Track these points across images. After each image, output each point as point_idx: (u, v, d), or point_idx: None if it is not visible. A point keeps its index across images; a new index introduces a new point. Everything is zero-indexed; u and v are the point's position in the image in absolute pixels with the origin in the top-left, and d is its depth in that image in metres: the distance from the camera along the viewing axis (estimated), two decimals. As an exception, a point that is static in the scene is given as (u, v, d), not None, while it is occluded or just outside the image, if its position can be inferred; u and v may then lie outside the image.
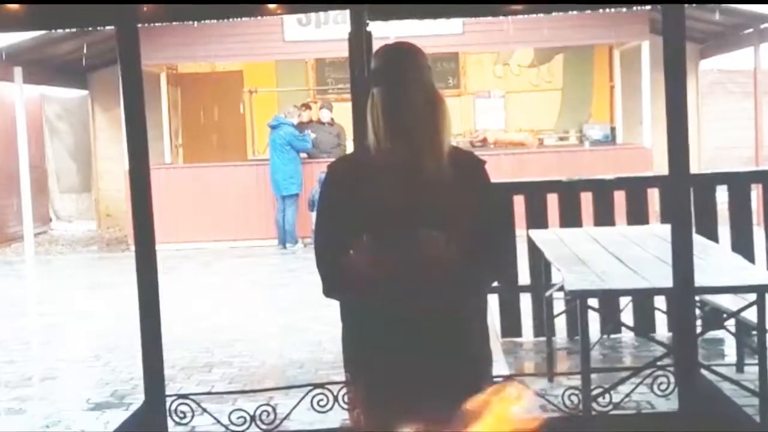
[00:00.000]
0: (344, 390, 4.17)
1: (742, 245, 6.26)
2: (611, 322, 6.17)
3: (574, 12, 7.26)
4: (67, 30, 10.18)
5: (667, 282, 4.01)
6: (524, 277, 6.56)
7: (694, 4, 9.43)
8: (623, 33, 12.71)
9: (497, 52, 14.78)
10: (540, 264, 6.41)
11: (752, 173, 7.96)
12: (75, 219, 15.83)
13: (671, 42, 3.65)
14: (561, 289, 5.16)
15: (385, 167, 2.55)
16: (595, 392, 4.46)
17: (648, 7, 9.56)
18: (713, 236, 6.19)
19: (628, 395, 4.63)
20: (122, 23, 3.96)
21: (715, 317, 5.63)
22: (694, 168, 3.86)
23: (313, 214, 11.96)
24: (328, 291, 2.67)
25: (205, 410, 4.44)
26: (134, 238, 4.03)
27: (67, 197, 15.96)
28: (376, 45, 2.80)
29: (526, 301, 6.67)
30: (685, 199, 3.81)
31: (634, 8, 10.69)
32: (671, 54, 3.63)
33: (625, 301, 6.29)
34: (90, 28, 9.82)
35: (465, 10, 5.00)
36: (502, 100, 14.99)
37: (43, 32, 11.10)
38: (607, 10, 10.16)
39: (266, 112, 13.78)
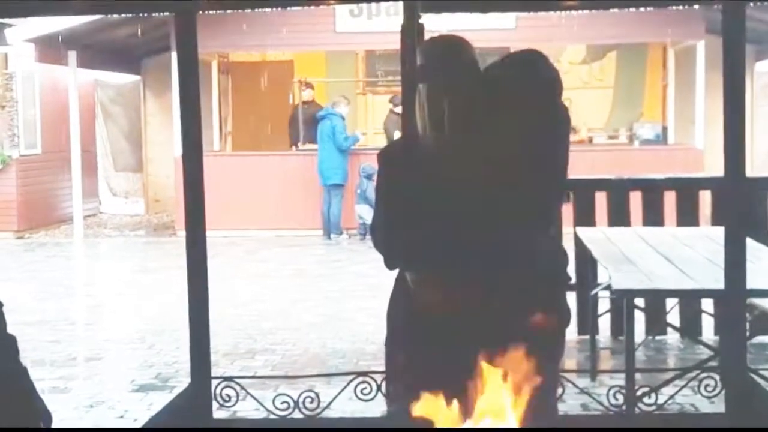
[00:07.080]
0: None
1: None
2: (657, 323, 6.10)
3: (631, 9, 7.17)
4: (123, 16, 10.28)
5: (717, 284, 3.96)
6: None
7: (752, 3, 9.27)
8: (679, 32, 12.52)
9: (548, 48, 14.64)
10: (586, 262, 6.36)
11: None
12: (130, 196, 16.13)
13: (731, 41, 3.60)
14: (607, 287, 5.12)
15: (434, 159, 2.56)
16: (639, 392, 4.42)
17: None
18: (764, 240, 6.09)
19: (672, 396, 4.58)
20: (180, 11, 4.00)
21: (763, 321, 5.55)
22: (747, 171, 3.80)
23: (359, 206, 12.03)
24: (390, 264, 2.70)
25: (249, 394, 4.48)
26: (185, 222, 4.06)
27: (123, 175, 16.25)
28: (428, 38, 2.80)
29: (570, 298, 6.59)
30: (741, 201, 3.75)
31: (690, 7, 10.53)
32: (731, 53, 3.57)
33: (671, 303, 6.21)
34: (146, 15, 9.92)
35: (519, 5, 4.98)
36: (552, 97, 14.84)
37: (98, 17, 11.23)
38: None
39: (315, 103, 13.82)
